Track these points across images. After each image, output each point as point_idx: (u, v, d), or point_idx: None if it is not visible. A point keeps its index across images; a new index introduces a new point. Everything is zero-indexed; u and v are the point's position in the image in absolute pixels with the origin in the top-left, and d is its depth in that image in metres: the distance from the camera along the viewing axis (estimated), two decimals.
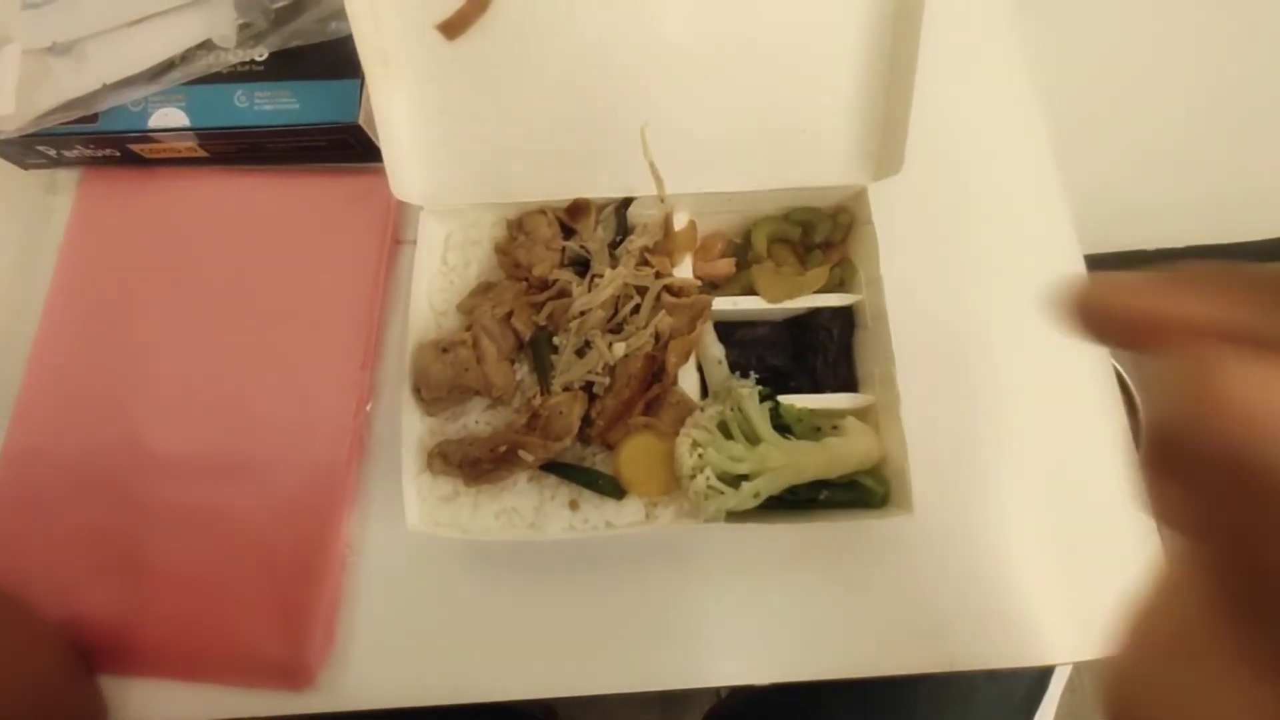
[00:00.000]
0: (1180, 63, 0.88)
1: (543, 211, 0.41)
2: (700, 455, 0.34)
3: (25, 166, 0.46)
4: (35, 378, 0.43)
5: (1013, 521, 0.41)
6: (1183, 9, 0.82)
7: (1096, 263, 0.47)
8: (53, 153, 0.44)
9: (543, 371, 0.38)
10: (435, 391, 0.37)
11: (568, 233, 0.41)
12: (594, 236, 0.40)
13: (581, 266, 0.40)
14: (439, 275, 0.42)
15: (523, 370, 0.39)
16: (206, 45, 0.42)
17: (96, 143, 0.43)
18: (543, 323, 0.39)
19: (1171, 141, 0.99)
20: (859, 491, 0.36)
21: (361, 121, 0.41)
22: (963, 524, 0.41)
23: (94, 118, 0.42)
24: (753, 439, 0.35)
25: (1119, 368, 0.99)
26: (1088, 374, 0.44)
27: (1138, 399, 0.96)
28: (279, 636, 0.38)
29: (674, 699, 0.91)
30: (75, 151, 0.44)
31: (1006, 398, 0.43)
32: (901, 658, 0.38)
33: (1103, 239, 1.08)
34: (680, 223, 0.41)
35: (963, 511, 0.41)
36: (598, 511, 0.37)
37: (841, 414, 0.38)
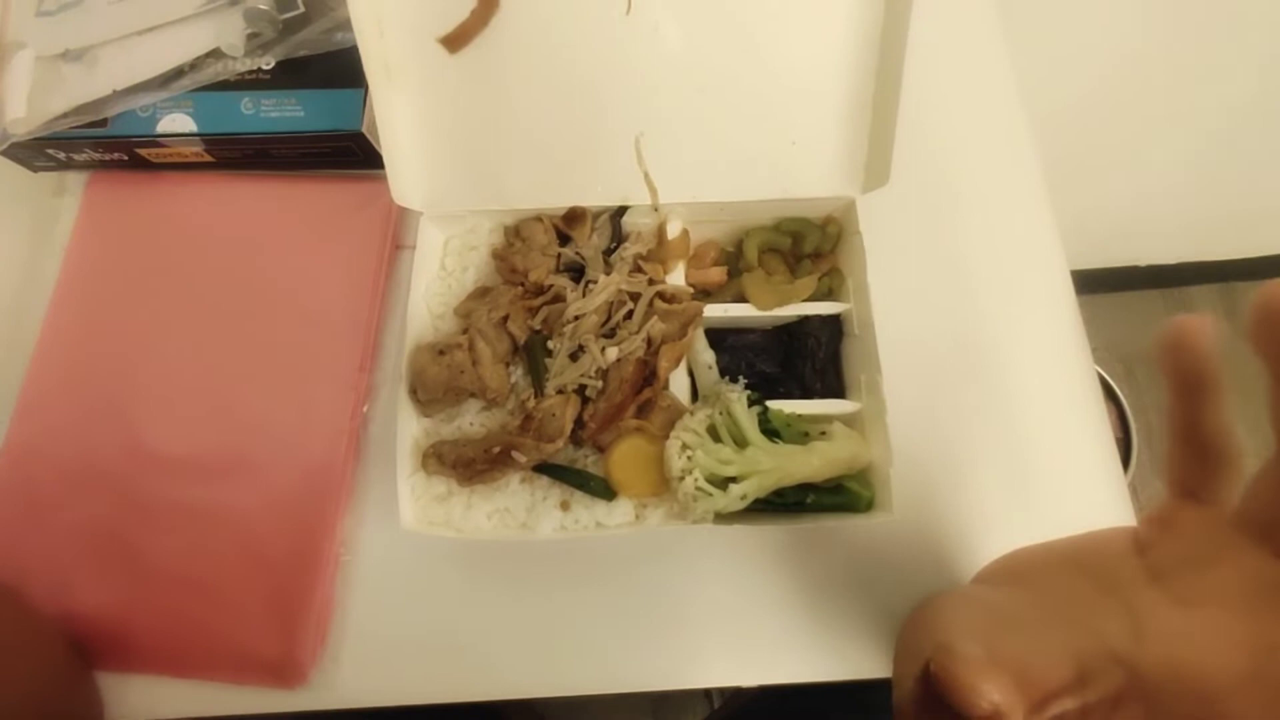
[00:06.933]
0: (1172, 78, 0.89)
1: (540, 219, 0.42)
2: (689, 458, 0.35)
3: (34, 169, 0.47)
4: (38, 376, 0.43)
5: (997, 529, 0.41)
6: (1174, 23, 0.83)
7: (1084, 278, 0.48)
8: (62, 156, 0.45)
9: (537, 374, 0.39)
10: (431, 393, 0.38)
11: (564, 240, 0.42)
12: (589, 243, 0.41)
13: (576, 272, 0.41)
14: (437, 279, 0.42)
15: (517, 373, 0.40)
16: (215, 53, 0.43)
17: (105, 147, 0.44)
18: (538, 327, 0.40)
19: (1162, 157, 1.00)
20: (844, 495, 0.37)
21: (364, 129, 0.43)
22: (950, 530, 0.41)
23: (104, 122, 0.43)
24: (741, 442, 0.36)
25: (1108, 379, 1.00)
26: (1075, 384, 0.44)
27: (1127, 410, 0.96)
28: (272, 635, 0.38)
29: (666, 705, 0.91)
30: (84, 155, 0.45)
31: (992, 406, 0.44)
32: (889, 660, 0.39)
33: (1092, 254, 1.10)
34: (673, 231, 0.42)
35: (949, 517, 0.41)
36: (588, 512, 0.38)
37: (829, 419, 0.39)
